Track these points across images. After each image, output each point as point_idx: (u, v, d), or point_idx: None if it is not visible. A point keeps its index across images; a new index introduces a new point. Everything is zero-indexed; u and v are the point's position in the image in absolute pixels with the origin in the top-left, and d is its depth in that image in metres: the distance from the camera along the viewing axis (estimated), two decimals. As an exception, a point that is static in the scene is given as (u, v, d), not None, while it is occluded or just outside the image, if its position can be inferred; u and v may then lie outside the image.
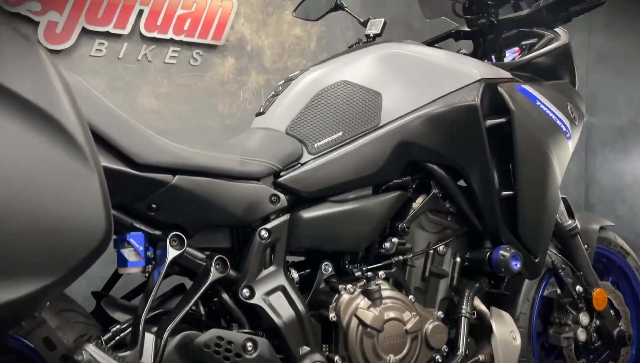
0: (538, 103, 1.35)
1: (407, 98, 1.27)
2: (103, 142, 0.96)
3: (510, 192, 1.31)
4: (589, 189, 3.65)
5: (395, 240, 1.27)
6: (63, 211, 0.67)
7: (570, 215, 1.57)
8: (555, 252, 1.56)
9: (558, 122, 1.40)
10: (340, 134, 1.23)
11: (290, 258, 1.25)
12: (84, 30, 2.21)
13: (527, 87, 1.36)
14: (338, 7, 1.74)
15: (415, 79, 1.29)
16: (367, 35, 1.63)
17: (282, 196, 1.17)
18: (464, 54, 1.59)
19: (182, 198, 1.04)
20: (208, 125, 2.55)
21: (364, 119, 1.25)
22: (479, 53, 1.54)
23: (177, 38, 2.40)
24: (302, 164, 1.21)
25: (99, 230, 0.71)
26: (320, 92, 1.26)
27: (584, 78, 3.41)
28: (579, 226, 1.57)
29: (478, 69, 1.32)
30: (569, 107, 1.46)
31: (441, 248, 1.34)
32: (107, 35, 2.26)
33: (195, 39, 2.45)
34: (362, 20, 1.71)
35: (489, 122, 1.28)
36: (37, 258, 0.66)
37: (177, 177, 1.03)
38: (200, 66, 2.51)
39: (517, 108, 1.27)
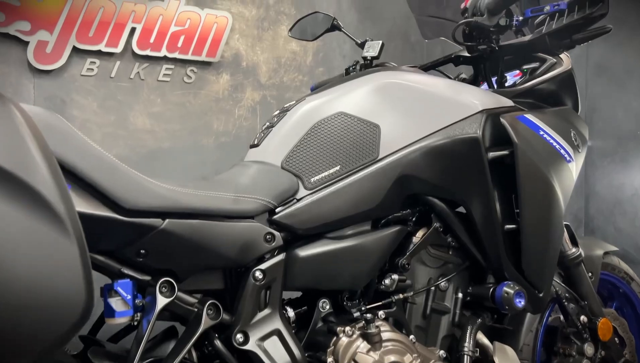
0: (541, 133, 1.31)
1: (406, 130, 1.22)
2: (88, 186, 0.91)
3: (514, 226, 1.27)
4: (589, 201, 3.61)
5: (395, 276, 1.22)
6: (38, 286, 0.61)
7: (574, 243, 1.53)
8: (558, 281, 1.52)
9: (562, 151, 1.35)
10: (338, 168, 1.19)
11: (286, 294, 1.20)
12: (74, 50, 2.16)
13: (530, 116, 1.31)
14: (334, 27, 1.71)
15: (415, 110, 1.25)
16: (365, 58, 1.59)
17: (277, 234, 1.12)
18: (464, 79, 1.55)
19: (173, 242, 1.00)
20: (203, 143, 2.50)
21: (362, 152, 1.20)
22: (479, 78, 1.50)
23: (170, 55, 2.35)
24: (298, 200, 1.16)
25: (77, 304, 0.66)
26: (317, 124, 1.22)
27: (583, 90, 3.38)
28: (582, 254, 1.53)
29: (479, 100, 1.28)
30: (572, 135, 1.42)
31: (443, 283, 1.29)
32: (98, 54, 2.21)
33: (189, 56, 2.40)
34: (359, 42, 1.67)
35: (491, 154, 1.24)
36: (7, 340, 0.60)
37: (166, 221, 0.98)
38: (195, 83, 2.47)
39: (520, 140, 1.23)
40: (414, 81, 1.29)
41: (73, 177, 0.90)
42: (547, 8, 1.26)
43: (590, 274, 1.59)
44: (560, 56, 1.48)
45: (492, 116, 1.25)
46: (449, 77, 1.64)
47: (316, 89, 1.75)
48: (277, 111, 1.33)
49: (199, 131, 2.48)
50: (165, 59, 2.36)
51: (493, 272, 1.31)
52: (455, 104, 1.26)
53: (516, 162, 1.23)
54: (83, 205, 0.90)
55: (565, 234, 1.50)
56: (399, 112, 1.24)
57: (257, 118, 2.65)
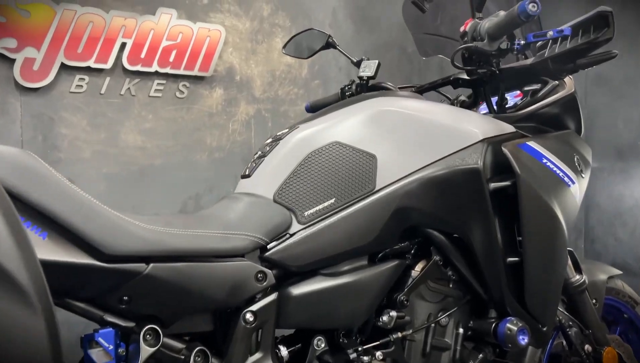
0: (544, 161, 1.26)
1: (404, 160, 1.17)
2: (65, 232, 0.86)
3: (516, 259, 1.21)
4: (589, 212, 3.57)
5: (393, 313, 1.17)
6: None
7: (578, 269, 1.48)
8: (562, 309, 1.47)
9: (565, 178, 1.30)
10: (333, 201, 1.13)
11: (279, 331, 1.15)
12: (63, 66, 2.10)
13: (532, 143, 1.26)
14: (330, 45, 1.66)
15: (413, 139, 1.19)
16: (361, 78, 1.55)
17: (269, 272, 1.07)
18: (463, 101, 1.50)
19: (158, 288, 0.94)
20: (196, 159, 2.44)
21: (358, 183, 1.15)
22: (479, 100, 1.45)
23: (162, 70, 2.30)
24: (292, 235, 1.11)
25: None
26: (311, 154, 1.16)
27: (583, 100, 3.33)
28: (586, 281, 1.48)
29: (480, 128, 1.22)
30: (575, 159, 1.37)
31: (443, 319, 1.24)
32: (88, 70, 2.16)
33: (181, 71, 2.35)
34: (355, 60, 1.62)
35: (493, 185, 1.19)
36: None
37: (150, 265, 0.93)
38: (187, 98, 2.41)
39: (522, 171, 1.18)
40: (412, 109, 1.24)
41: (50, 222, 0.85)
42: (550, 33, 1.20)
43: (594, 300, 1.54)
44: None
45: (494, 145, 1.20)
46: (448, 98, 1.59)
47: (311, 108, 1.72)
48: (270, 140, 1.27)
49: (192, 147, 2.43)
50: (156, 74, 2.30)
51: (495, 306, 1.26)
52: (454, 132, 1.21)
53: (519, 193, 1.17)
54: (60, 253, 0.85)
55: (569, 260, 1.45)
56: (396, 141, 1.19)
57: (251, 133, 2.60)
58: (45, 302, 0.60)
